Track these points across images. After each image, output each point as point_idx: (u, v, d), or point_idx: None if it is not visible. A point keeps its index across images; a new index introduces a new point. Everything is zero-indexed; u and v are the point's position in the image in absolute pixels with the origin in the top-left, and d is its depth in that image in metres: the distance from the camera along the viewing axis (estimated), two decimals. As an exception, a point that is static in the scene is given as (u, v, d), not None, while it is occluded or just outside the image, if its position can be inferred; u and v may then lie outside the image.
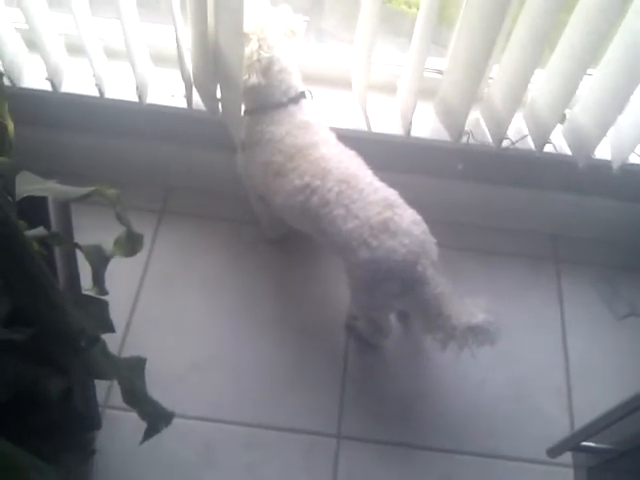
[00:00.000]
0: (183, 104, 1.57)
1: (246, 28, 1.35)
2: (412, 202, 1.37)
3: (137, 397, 0.96)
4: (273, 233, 1.72)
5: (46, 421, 0.97)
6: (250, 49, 1.36)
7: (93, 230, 1.25)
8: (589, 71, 1.36)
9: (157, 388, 1.52)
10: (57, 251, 1.14)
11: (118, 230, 1.15)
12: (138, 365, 0.99)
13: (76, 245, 1.01)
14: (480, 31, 1.32)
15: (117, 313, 1.62)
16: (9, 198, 0.86)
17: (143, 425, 1.05)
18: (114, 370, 0.91)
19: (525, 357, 1.62)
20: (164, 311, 1.65)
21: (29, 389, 0.89)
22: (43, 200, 1.02)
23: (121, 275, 1.56)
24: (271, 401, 1.53)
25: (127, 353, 1.59)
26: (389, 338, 1.57)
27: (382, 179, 1.40)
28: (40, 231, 1.02)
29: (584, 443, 1.25)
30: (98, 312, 1.11)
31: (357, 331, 1.59)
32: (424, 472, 1.46)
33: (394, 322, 1.61)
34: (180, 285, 1.70)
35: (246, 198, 1.65)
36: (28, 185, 0.94)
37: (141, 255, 1.73)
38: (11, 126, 0.94)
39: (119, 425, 1.45)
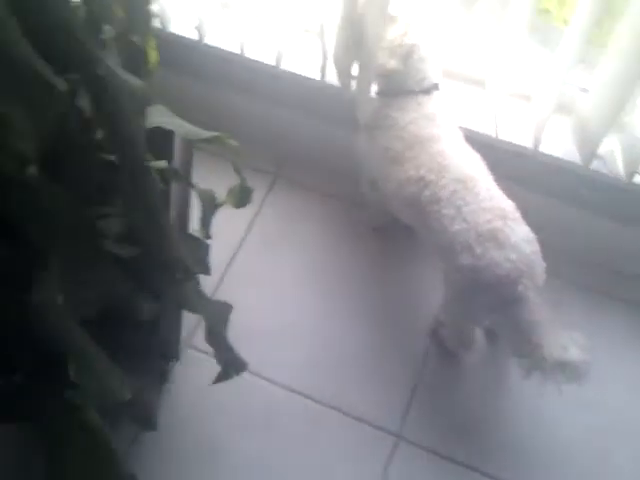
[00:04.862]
0: (317, 75, 1.59)
1: (395, 11, 1.33)
2: (527, 219, 1.30)
3: (217, 339, 0.99)
4: (377, 220, 1.70)
5: (131, 342, 1.03)
6: (395, 33, 1.35)
7: (207, 179, 1.28)
8: None
9: (234, 340, 1.58)
10: (173, 188, 1.20)
11: (228, 184, 1.19)
12: (224, 310, 1.02)
13: (192, 185, 1.05)
14: (632, 52, 1.24)
15: (214, 263, 1.69)
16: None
17: (217, 371, 1.10)
18: (202, 308, 0.94)
19: (612, 410, 1.51)
20: (258, 270, 1.68)
21: (121, 307, 0.95)
22: (170, 135, 1.07)
23: (226, 227, 1.60)
24: (340, 383, 1.52)
25: (215, 302, 1.66)
26: (470, 351, 1.52)
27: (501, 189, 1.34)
28: (162, 164, 1.07)
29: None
30: (199, 253, 1.16)
31: (440, 338, 1.54)
32: (477, 496, 1.40)
33: (481, 339, 1.55)
34: (279, 249, 1.72)
35: (358, 179, 1.65)
36: (159, 117, 0.99)
37: (248, 212, 1.78)
38: (153, 57, 0.98)
39: (195, 366, 1.49)
